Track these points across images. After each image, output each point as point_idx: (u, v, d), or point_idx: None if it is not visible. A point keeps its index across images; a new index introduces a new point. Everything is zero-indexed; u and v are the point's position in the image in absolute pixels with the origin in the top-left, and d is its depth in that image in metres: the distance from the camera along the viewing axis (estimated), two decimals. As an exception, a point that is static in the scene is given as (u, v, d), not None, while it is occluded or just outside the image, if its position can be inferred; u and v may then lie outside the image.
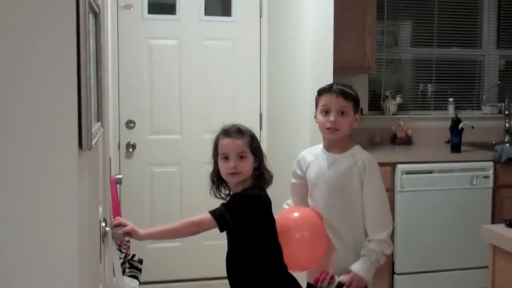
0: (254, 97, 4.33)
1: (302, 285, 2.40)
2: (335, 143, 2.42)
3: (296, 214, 2.48)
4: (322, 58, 3.46)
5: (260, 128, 4.33)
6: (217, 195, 2.34)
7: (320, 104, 2.41)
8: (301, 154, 2.57)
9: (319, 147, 2.50)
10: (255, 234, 2.25)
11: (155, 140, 4.21)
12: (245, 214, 2.21)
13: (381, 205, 2.38)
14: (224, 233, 2.30)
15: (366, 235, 2.36)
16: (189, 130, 4.22)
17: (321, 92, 2.43)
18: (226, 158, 2.24)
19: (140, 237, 2.17)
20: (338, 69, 3.53)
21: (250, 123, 4.21)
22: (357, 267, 2.31)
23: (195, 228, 2.22)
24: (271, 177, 2.32)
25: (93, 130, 1.17)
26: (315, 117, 2.46)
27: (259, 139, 4.22)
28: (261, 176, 2.29)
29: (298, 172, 2.54)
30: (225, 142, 2.25)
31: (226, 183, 2.32)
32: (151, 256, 3.97)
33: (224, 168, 2.25)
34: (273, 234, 2.30)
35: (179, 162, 4.22)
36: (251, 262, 2.26)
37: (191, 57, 4.19)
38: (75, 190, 1.04)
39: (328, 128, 2.36)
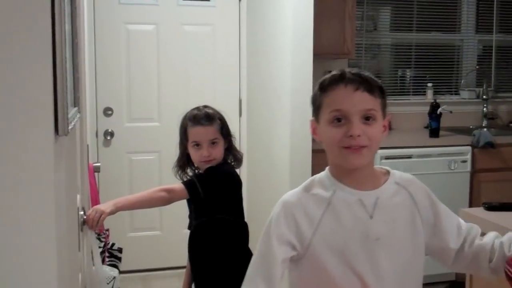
0: (233, 83, 4.29)
1: None
2: (361, 171, 1.41)
3: None
4: (302, 43, 3.44)
5: (240, 115, 4.30)
6: (183, 177, 2.33)
7: (328, 107, 1.38)
8: (289, 203, 1.41)
9: (322, 185, 1.42)
10: (224, 209, 2.25)
11: (134, 127, 4.15)
12: (216, 187, 2.21)
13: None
14: None
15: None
16: (168, 117, 4.17)
17: (326, 85, 1.40)
18: (198, 145, 2.22)
19: (110, 214, 2.13)
20: (317, 54, 3.51)
21: (230, 110, 4.21)
22: None
23: (165, 195, 2.22)
24: (241, 157, 2.35)
25: (69, 115, 1.14)
26: (314, 131, 1.45)
27: (238, 126, 4.23)
28: (232, 156, 2.32)
29: (292, 238, 1.38)
30: (196, 130, 2.23)
31: (193, 164, 2.31)
32: (131, 244, 3.94)
33: (196, 156, 2.24)
34: (241, 213, 2.32)
35: (158, 150, 4.17)
36: (217, 237, 2.25)
37: (169, 43, 4.14)
38: (52, 176, 1.01)
39: (348, 148, 1.35)
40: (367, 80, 1.39)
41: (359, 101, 1.36)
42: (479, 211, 2.06)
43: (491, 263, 1.45)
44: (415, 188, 1.48)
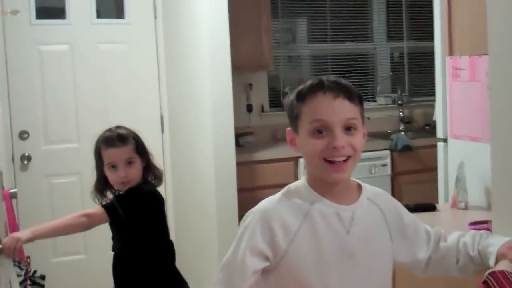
0: (154, 100, 4.24)
1: None
2: (339, 185, 1.38)
3: None
4: (220, 58, 3.46)
5: (162, 132, 4.25)
6: (102, 201, 2.28)
7: (307, 117, 1.34)
8: (266, 212, 1.36)
9: (299, 195, 1.38)
10: (147, 230, 2.22)
11: (52, 150, 4.02)
12: (138, 207, 2.18)
13: None
14: None
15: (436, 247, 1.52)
16: (87, 137, 4.00)
17: (304, 94, 1.36)
18: (114, 167, 2.19)
19: (27, 241, 2.05)
20: (237, 67, 3.56)
21: (152, 127, 4.16)
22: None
23: (85, 220, 2.18)
24: (161, 174, 2.32)
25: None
26: (292, 142, 1.41)
27: (161, 143, 4.19)
28: (152, 174, 2.28)
29: (265, 249, 1.34)
30: (110, 152, 2.20)
31: (112, 187, 2.27)
32: (54, 270, 3.79)
33: (114, 178, 2.20)
34: (165, 232, 2.29)
35: (79, 171, 4.05)
36: (142, 259, 2.22)
37: (85, 62, 4.05)
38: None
39: (332, 163, 1.32)
40: (346, 88, 1.34)
41: (339, 109, 1.32)
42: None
43: (458, 263, 1.49)
44: (386, 204, 1.46)
